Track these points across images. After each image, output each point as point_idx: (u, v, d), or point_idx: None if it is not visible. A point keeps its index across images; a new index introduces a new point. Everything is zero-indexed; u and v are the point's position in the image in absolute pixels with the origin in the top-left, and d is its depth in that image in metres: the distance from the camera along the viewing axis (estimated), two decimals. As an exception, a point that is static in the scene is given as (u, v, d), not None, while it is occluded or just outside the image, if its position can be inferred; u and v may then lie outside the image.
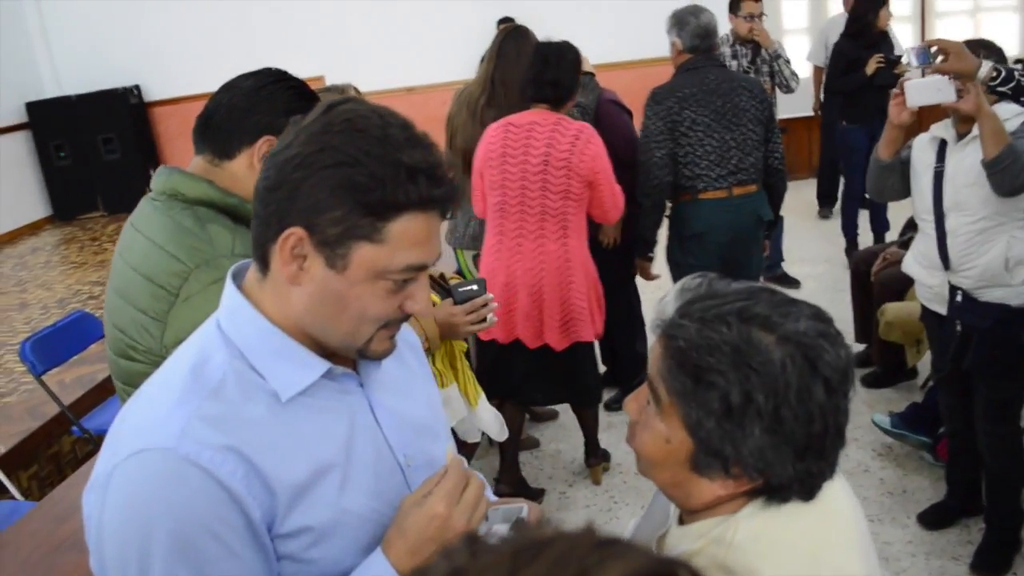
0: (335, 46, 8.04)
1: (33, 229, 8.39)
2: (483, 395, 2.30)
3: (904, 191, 2.82)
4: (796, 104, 6.02)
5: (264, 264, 1.03)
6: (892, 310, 3.63)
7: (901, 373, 3.94)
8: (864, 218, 5.62)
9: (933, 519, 3.03)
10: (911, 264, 2.87)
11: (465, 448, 3.67)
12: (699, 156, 3.37)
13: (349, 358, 1.09)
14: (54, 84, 8.63)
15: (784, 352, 0.91)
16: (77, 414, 3.55)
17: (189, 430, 0.96)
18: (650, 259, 3.65)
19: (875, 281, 3.82)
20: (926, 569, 2.83)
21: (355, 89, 2.08)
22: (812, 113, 6.40)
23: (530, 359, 3.15)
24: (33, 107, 8.35)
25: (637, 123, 3.64)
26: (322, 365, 1.06)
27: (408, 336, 1.27)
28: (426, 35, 7.90)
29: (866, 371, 4.05)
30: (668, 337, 0.96)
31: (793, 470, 0.93)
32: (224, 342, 1.04)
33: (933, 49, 2.39)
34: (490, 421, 2.30)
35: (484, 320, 2.07)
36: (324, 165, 0.96)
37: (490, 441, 3.91)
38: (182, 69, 8.03)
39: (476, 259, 3.53)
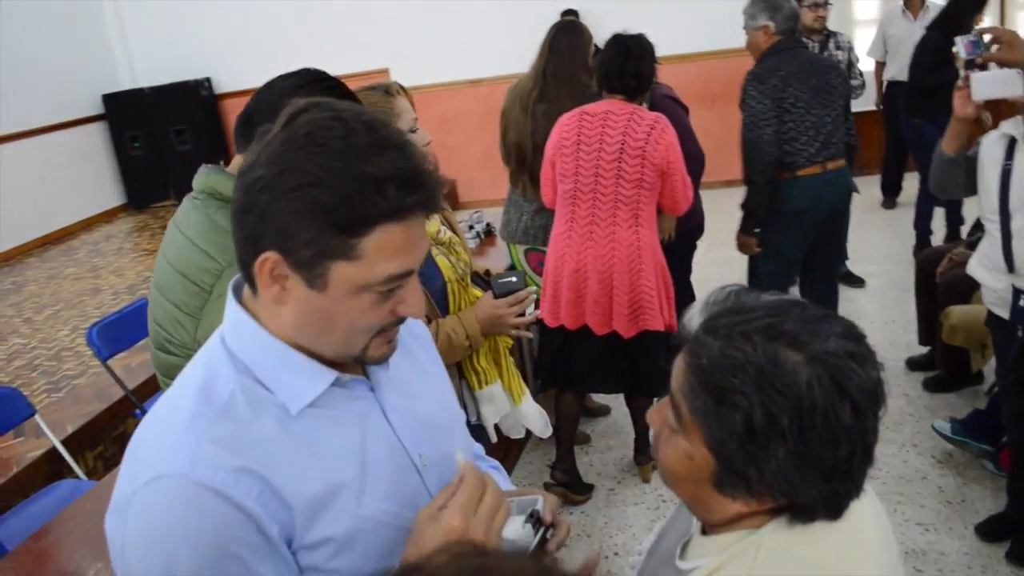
0: (400, 39, 8.13)
1: (108, 217, 8.68)
2: (527, 391, 2.30)
3: (969, 188, 2.74)
4: (860, 98, 5.87)
5: (251, 284, 1.02)
6: (957, 313, 3.51)
7: (965, 378, 3.81)
8: (939, 214, 5.49)
9: (991, 530, 2.93)
10: (975, 266, 2.78)
11: (509, 443, 3.70)
12: (799, 132, 3.50)
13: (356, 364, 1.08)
14: (129, 77, 8.90)
15: (811, 373, 0.87)
16: (140, 398, 3.67)
17: (201, 454, 0.95)
18: (755, 235, 3.72)
19: (940, 282, 3.71)
20: (982, 581, 2.74)
21: (399, 87, 2.09)
22: (875, 107, 6.24)
23: (597, 346, 3.16)
24: (109, 99, 8.63)
25: (692, 119, 3.62)
26: (329, 375, 1.05)
27: (416, 329, 1.27)
28: (490, 27, 7.91)
29: (929, 375, 3.94)
30: (691, 354, 0.94)
31: (818, 492, 0.91)
32: (230, 358, 1.04)
33: (987, 38, 2.30)
34: (534, 417, 2.30)
35: (524, 314, 2.08)
36: (287, 188, 0.93)
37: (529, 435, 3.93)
38: (250, 62, 8.18)
39: (528, 253, 3.53)
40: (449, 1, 8.03)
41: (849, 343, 0.91)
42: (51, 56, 7.96)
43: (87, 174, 8.46)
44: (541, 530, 1.15)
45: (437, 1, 8.06)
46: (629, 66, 3.02)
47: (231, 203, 1.00)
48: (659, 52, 3.16)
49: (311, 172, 0.93)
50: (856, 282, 5.15)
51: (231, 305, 1.07)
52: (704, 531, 1.06)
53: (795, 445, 0.87)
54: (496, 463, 1.44)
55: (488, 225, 4.33)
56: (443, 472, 1.16)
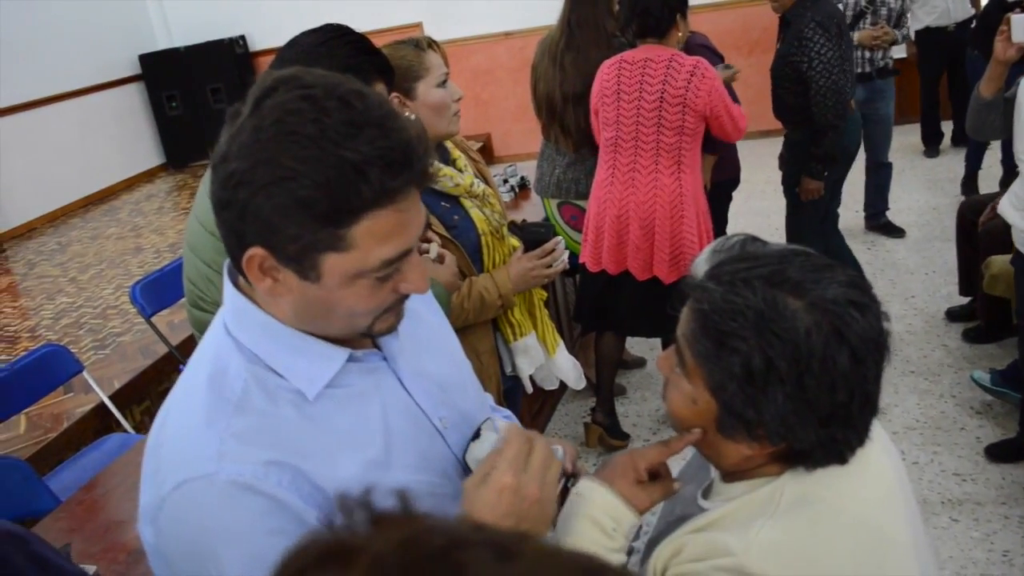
0: (435, -6, 8.05)
1: (148, 176, 8.80)
2: (561, 343, 2.32)
3: (1005, 130, 2.72)
4: (900, 46, 5.74)
5: (243, 277, 0.98)
6: (998, 263, 3.45)
7: (1006, 329, 3.75)
8: (990, 154, 5.42)
9: (1001, 452, 3.05)
10: (1006, 207, 2.77)
11: (545, 395, 3.74)
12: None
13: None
14: (165, 36, 8.94)
15: (810, 319, 0.89)
16: (184, 353, 3.75)
17: (226, 451, 0.93)
18: (825, 178, 3.75)
19: (982, 231, 3.64)
20: (1019, 531, 2.73)
21: (430, 41, 2.08)
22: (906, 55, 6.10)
23: (638, 291, 3.18)
24: (146, 59, 8.68)
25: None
26: (341, 353, 1.02)
27: None
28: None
29: (969, 326, 3.89)
30: (694, 300, 0.96)
31: (816, 437, 0.92)
32: (236, 347, 1.00)
33: None
34: (568, 369, 2.32)
35: (552, 266, 2.09)
36: (263, 183, 0.87)
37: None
38: (284, 19, 8.15)
39: (561, 207, 3.53)
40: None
41: (851, 291, 0.91)
42: (88, 17, 8.01)
43: (127, 134, 8.56)
44: (563, 480, 1.16)
45: (468, -47, 7.97)
46: (637, 5, 3.01)
47: (210, 195, 0.94)
48: (695, 1, 3.12)
49: (286, 164, 0.87)
50: (896, 232, 5.07)
51: (230, 291, 1.02)
52: (724, 478, 1.07)
53: (793, 389, 0.89)
54: (508, 412, 1.45)
55: (523, 178, 4.32)
56: (464, 432, 1.16)
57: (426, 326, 1.19)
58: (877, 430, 1.04)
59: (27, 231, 7.42)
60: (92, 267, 6.11)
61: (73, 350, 3.43)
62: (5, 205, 7.21)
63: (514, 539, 0.45)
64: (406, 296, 1.01)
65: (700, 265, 0.98)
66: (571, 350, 3.70)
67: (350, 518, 0.45)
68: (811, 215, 3.86)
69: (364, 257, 0.92)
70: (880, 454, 1.01)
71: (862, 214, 5.23)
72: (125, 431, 3.42)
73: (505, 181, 4.27)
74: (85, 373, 3.35)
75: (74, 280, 5.91)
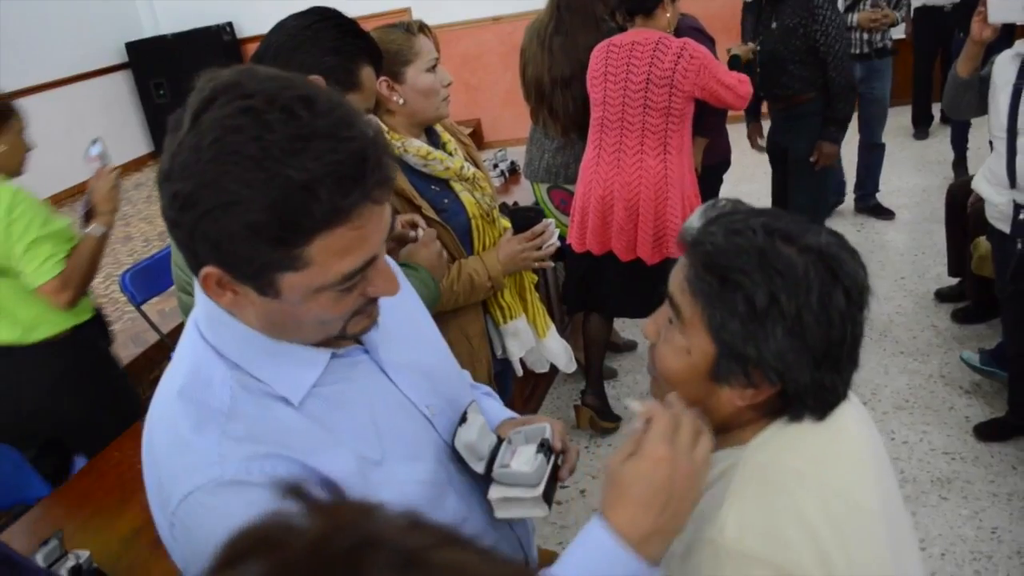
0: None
1: (137, 165, 8.75)
2: (552, 326, 2.33)
3: (980, 108, 2.81)
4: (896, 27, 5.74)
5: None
6: (986, 244, 3.46)
7: (995, 309, 3.77)
8: (973, 135, 5.44)
9: (989, 432, 3.08)
10: (980, 181, 2.84)
11: (537, 378, 3.75)
12: None
13: None
14: (152, 24, 8.88)
15: (807, 259, 0.93)
16: (175, 341, 3.73)
17: (226, 452, 0.91)
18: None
19: (970, 212, 3.65)
20: (1007, 509, 2.76)
21: (421, 25, 2.07)
22: (904, 36, 6.10)
23: (622, 272, 3.19)
24: (132, 47, 8.63)
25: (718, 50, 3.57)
26: (323, 355, 1.00)
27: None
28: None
29: (958, 306, 3.91)
30: (695, 244, 0.98)
31: (810, 378, 0.94)
32: (215, 354, 0.98)
33: None
34: (558, 352, 2.32)
35: (542, 249, 2.09)
36: (208, 208, 0.83)
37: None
38: (272, 4, 8.06)
39: (550, 191, 3.53)
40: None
41: (837, 240, 0.97)
42: (73, 5, 7.95)
43: (114, 123, 8.50)
44: (553, 457, 1.17)
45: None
46: None
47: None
48: None
49: (229, 188, 0.82)
50: (886, 214, 5.09)
51: (201, 295, 0.99)
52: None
53: (793, 324, 0.92)
54: (489, 389, 1.45)
55: (512, 163, 4.31)
56: (451, 418, 1.15)
57: (402, 314, 1.17)
58: (852, 399, 1.06)
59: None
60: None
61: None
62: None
63: (428, 545, 0.45)
64: (376, 298, 0.98)
65: (693, 222, 1.01)
66: (561, 334, 3.71)
67: (285, 508, 0.44)
68: (824, 189, 3.96)
69: (323, 273, 0.88)
70: (852, 422, 1.03)
71: (852, 195, 5.24)
72: (117, 419, 3.41)
73: (495, 166, 4.26)
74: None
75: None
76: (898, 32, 5.98)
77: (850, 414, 1.03)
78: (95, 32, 8.29)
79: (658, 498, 0.91)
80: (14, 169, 2.59)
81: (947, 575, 2.56)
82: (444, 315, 2.08)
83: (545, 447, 1.16)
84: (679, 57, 2.93)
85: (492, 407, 1.36)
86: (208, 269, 0.88)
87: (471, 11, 8.07)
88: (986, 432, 3.08)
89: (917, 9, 5.76)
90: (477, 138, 8.13)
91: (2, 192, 2.45)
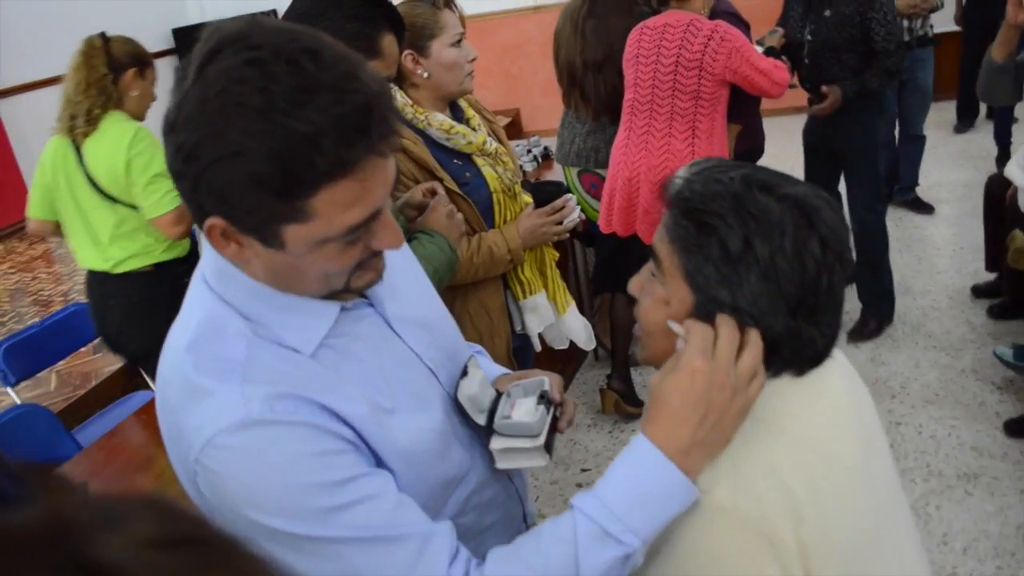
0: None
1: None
2: (572, 303, 2.34)
3: (1016, 94, 2.73)
4: (939, 18, 5.63)
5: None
6: (1022, 235, 3.40)
7: (1032, 304, 3.71)
8: (1018, 129, 5.32)
9: (1020, 428, 3.00)
10: (1013, 168, 2.76)
11: (565, 362, 3.76)
12: None
13: None
14: (198, 11, 9.03)
15: (783, 206, 0.93)
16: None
17: (250, 394, 0.92)
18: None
19: (1008, 205, 3.58)
20: (1035, 504, 2.72)
21: (448, 1, 2.09)
22: (954, 23, 5.97)
23: (646, 254, 3.16)
24: (179, 33, 8.78)
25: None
26: (332, 308, 1.01)
27: None
28: (553, -47, 7.77)
29: (994, 302, 3.84)
30: (674, 194, 0.99)
31: (785, 326, 0.94)
32: (227, 306, 0.98)
33: None
34: (578, 329, 2.33)
35: (562, 223, 2.10)
36: (212, 159, 0.83)
37: (596, 355, 3.99)
38: (316, -8, 8.21)
39: (581, 175, 3.53)
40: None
41: (816, 191, 0.97)
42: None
43: (160, 107, 8.63)
44: (552, 409, 1.19)
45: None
46: None
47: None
48: None
49: (234, 139, 0.82)
50: (925, 208, 5.01)
51: (210, 251, 0.98)
52: None
53: (766, 269, 0.91)
54: (480, 348, 1.46)
55: (545, 148, 4.33)
56: (451, 371, 1.17)
57: (403, 269, 1.18)
58: (842, 362, 1.06)
59: (63, 200, 7.54)
60: (124, 235, 6.21)
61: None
62: (42, 175, 7.33)
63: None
64: (379, 252, 0.99)
65: (679, 175, 1.02)
66: (591, 318, 3.72)
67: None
68: (880, 178, 3.82)
69: (327, 225, 0.88)
70: (838, 380, 1.02)
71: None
72: (151, 389, 3.50)
73: (528, 151, 4.27)
74: (113, 332, 3.43)
75: (107, 247, 6.01)
76: (947, 23, 5.90)
77: (837, 374, 1.02)
78: (142, 18, 8.41)
79: (695, 411, 0.92)
80: (140, 114, 2.91)
81: (968, 570, 2.53)
82: (464, 288, 2.10)
83: (545, 399, 1.18)
84: (709, 39, 2.91)
85: (485, 364, 1.38)
86: (213, 220, 0.89)
87: (512, 1, 8.08)
88: (1017, 429, 3.03)
89: (968, -3, 5.64)
90: (516, 127, 8.13)
91: (126, 129, 2.76)
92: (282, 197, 0.85)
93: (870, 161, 3.70)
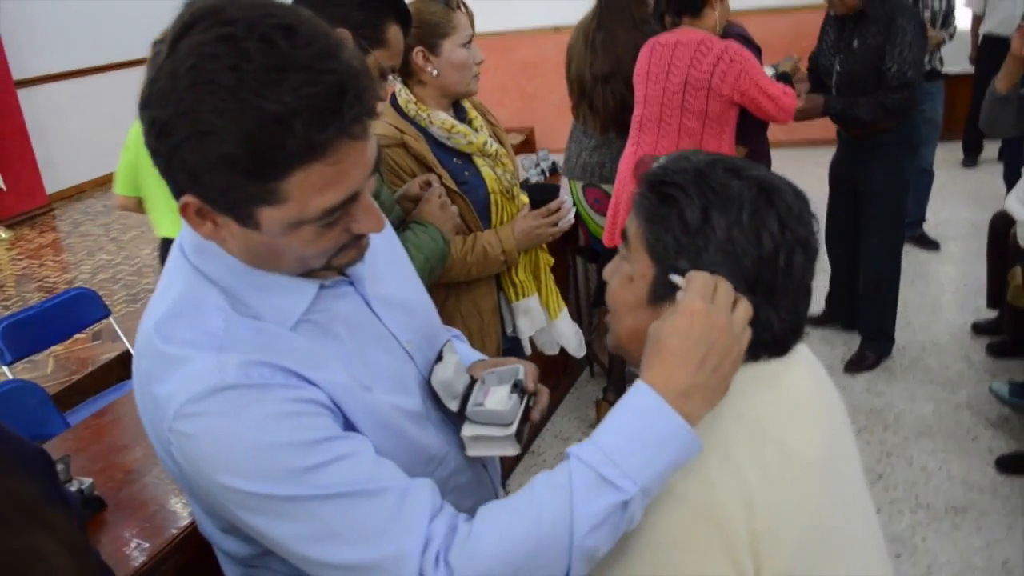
0: (486, -16, 8.11)
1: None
2: (565, 309, 2.35)
3: (1017, 126, 2.73)
4: (952, 58, 5.67)
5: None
6: (1023, 274, 3.39)
7: (1031, 342, 3.70)
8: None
9: (1010, 464, 3.00)
10: (1012, 201, 2.77)
11: (560, 376, 3.76)
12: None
13: None
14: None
15: (743, 183, 0.94)
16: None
17: (225, 360, 0.91)
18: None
19: (1011, 243, 3.58)
20: (1021, 543, 2.69)
21: (460, 1, 2.11)
22: (968, 63, 5.99)
23: None
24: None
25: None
26: (311, 286, 1.00)
27: None
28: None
29: (994, 339, 3.82)
30: (645, 172, 1.00)
31: None
32: (205, 280, 0.98)
33: None
34: (569, 335, 2.34)
35: (557, 224, 2.12)
36: (183, 137, 0.82)
37: (591, 372, 3.98)
38: None
39: (586, 189, 3.55)
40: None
41: (783, 178, 0.98)
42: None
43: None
44: (525, 398, 1.18)
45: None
46: None
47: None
48: (747, 5, 3.12)
49: (204, 118, 0.80)
50: (931, 245, 5.00)
51: (187, 228, 0.98)
52: None
53: (723, 241, 0.92)
54: (458, 332, 1.46)
55: (554, 163, 4.34)
56: (427, 354, 1.17)
57: (384, 249, 1.17)
58: (811, 361, 1.06)
59: (76, 193, 7.63)
60: (134, 228, 6.26)
61: (106, 302, 3.53)
62: (59, 166, 7.42)
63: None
64: (361, 235, 0.97)
65: (656, 160, 1.03)
66: (588, 335, 3.72)
67: None
68: (901, 229, 3.74)
69: (302, 208, 0.87)
70: (805, 378, 1.02)
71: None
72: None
73: (537, 164, 4.29)
74: (112, 319, 3.45)
75: (115, 240, 6.08)
76: (958, 65, 5.92)
77: (802, 371, 1.02)
78: (167, 16, 8.52)
79: (695, 351, 0.89)
80: None
81: (952, 602, 2.51)
82: (457, 287, 2.11)
83: (519, 388, 1.18)
84: (719, 60, 2.93)
85: (462, 348, 1.37)
86: (187, 198, 0.88)
87: (533, 20, 8.14)
88: (1008, 465, 3.01)
89: (984, 37, 5.67)
90: (529, 145, 8.16)
91: None
92: (254, 178, 0.84)
93: (892, 198, 3.61)
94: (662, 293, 0.97)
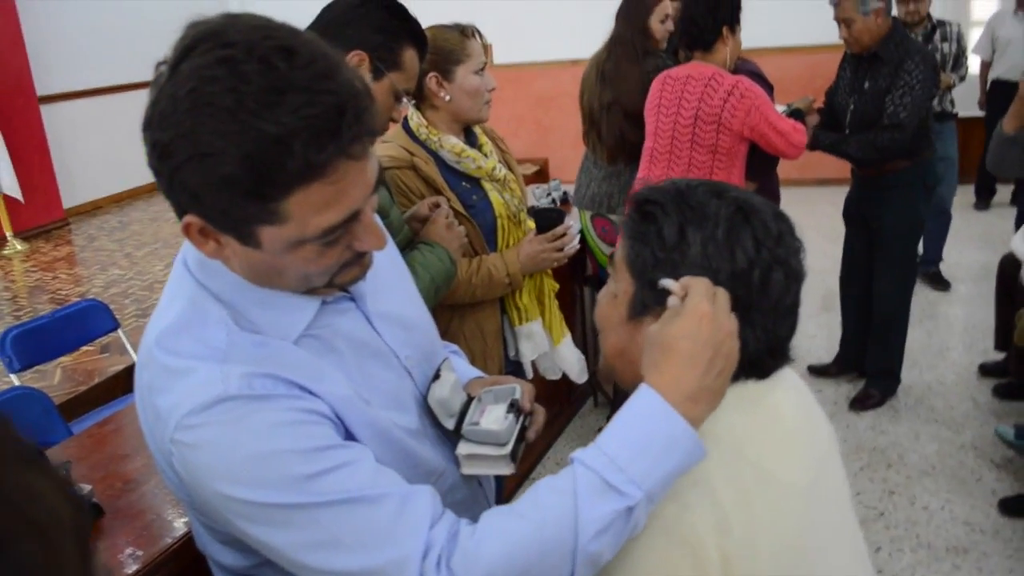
0: (506, 17, 8.19)
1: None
2: (568, 335, 2.36)
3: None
4: (965, 102, 5.71)
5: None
6: (1031, 315, 3.39)
7: (1039, 386, 3.68)
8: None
9: (1013, 506, 2.96)
10: (1018, 242, 2.76)
11: (562, 405, 3.76)
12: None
13: None
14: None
15: (721, 202, 0.96)
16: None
17: (229, 372, 0.92)
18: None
19: (1020, 284, 3.57)
20: (1023, 584, 2.66)
21: (474, 30, 2.15)
22: (978, 108, 6.04)
23: None
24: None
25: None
26: (313, 302, 1.01)
27: None
28: (595, 6, 7.90)
29: (1001, 381, 3.81)
30: (632, 196, 1.03)
31: None
32: (208, 294, 0.99)
33: None
34: (571, 361, 2.35)
35: (563, 250, 2.14)
36: (184, 158, 0.83)
37: (595, 401, 3.98)
38: None
39: (594, 219, 3.58)
40: (555, -20, 8.09)
41: (766, 201, 0.99)
42: (169, 8, 8.35)
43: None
44: (521, 418, 1.19)
45: (544, -21, 8.13)
46: (684, 12, 3.06)
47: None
48: (763, 43, 3.15)
49: (203, 140, 0.82)
50: (943, 284, 4.99)
51: (189, 244, 0.99)
52: None
53: (699, 257, 0.94)
54: (457, 348, 1.47)
55: (565, 193, 4.37)
56: (425, 371, 1.18)
57: (386, 265, 1.17)
58: (797, 385, 1.06)
59: (93, 208, 7.73)
60: (148, 245, 6.33)
61: (117, 315, 3.55)
62: (77, 182, 7.52)
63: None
64: (364, 253, 0.98)
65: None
66: (593, 365, 3.72)
67: None
68: (913, 270, 3.73)
69: (302, 227, 0.88)
70: (784, 399, 1.02)
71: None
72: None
73: (548, 194, 4.32)
74: (120, 332, 3.47)
75: (129, 255, 6.13)
76: (969, 109, 5.95)
77: (786, 395, 1.02)
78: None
79: (703, 354, 0.88)
80: None
81: (951, 644, 2.48)
82: (462, 309, 2.13)
83: (515, 407, 1.18)
84: (729, 94, 2.96)
85: (460, 365, 1.38)
86: (189, 218, 0.89)
87: (550, 53, 8.23)
88: (1012, 507, 2.98)
89: (993, 82, 5.73)
90: (542, 176, 8.22)
91: None
92: (254, 199, 0.85)
93: (904, 238, 3.60)
94: (639, 308, 0.99)
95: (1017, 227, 5.31)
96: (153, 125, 0.85)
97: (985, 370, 3.95)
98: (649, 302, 0.98)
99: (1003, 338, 3.84)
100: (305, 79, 0.82)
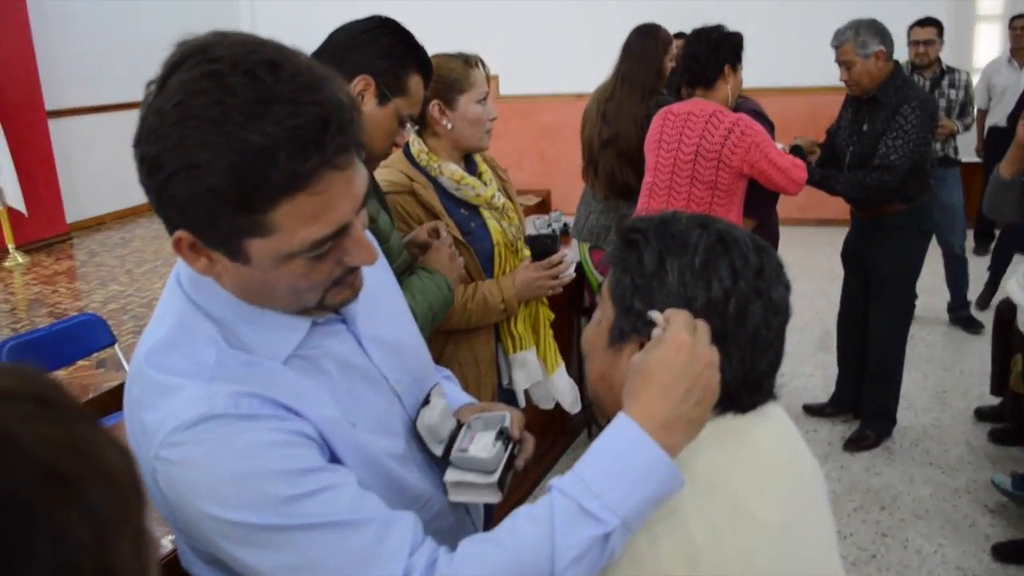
0: (512, 49, 8.28)
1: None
2: (562, 365, 2.36)
3: (1020, 211, 2.76)
4: (968, 148, 5.77)
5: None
6: (1025, 360, 3.39)
7: (1033, 431, 3.67)
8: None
9: (1007, 552, 2.94)
10: (1015, 288, 2.77)
11: (555, 437, 3.74)
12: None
13: None
14: (250, 29, 9.35)
15: (702, 232, 0.97)
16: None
17: (216, 391, 0.92)
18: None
19: (1016, 330, 3.58)
20: (1014, 631, 2.64)
21: (478, 60, 2.18)
22: (975, 155, 6.11)
23: None
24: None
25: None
26: (304, 323, 1.02)
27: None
28: (601, 41, 7.99)
29: (997, 426, 3.80)
30: (621, 226, 1.04)
31: None
32: (199, 312, 0.99)
33: None
34: (564, 390, 2.35)
35: (558, 277, 2.15)
36: (171, 171, 0.84)
37: (589, 433, 3.96)
38: (367, 6, 8.48)
39: (592, 251, 3.60)
40: (561, 12, 8.18)
41: (749, 233, 1.00)
42: (178, 26, 8.41)
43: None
44: (510, 446, 1.18)
45: (549, 13, 8.22)
46: (686, 49, 3.10)
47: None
48: (765, 83, 3.19)
49: (190, 152, 0.83)
50: (975, 328, 4.98)
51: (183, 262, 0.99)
52: None
53: (676, 285, 0.95)
54: (448, 373, 1.47)
55: (565, 224, 4.40)
56: (416, 396, 1.18)
57: (378, 287, 1.17)
58: (780, 418, 1.05)
59: (96, 224, 7.75)
60: (148, 262, 6.34)
61: (114, 331, 3.55)
62: (81, 197, 7.55)
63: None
64: (355, 268, 0.98)
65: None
66: (584, 395, 3.71)
67: None
68: (908, 312, 3.74)
69: (289, 239, 0.88)
70: (764, 434, 1.01)
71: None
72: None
73: (549, 225, 4.35)
74: (116, 348, 3.47)
75: (130, 272, 6.15)
76: (968, 155, 6.00)
77: (767, 430, 1.01)
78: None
79: (680, 383, 0.89)
80: None
81: None
82: (456, 335, 2.14)
83: (504, 435, 1.18)
84: (730, 132, 2.98)
85: (451, 391, 1.38)
86: (180, 233, 0.90)
87: (555, 86, 8.30)
88: (1005, 553, 2.96)
89: (990, 129, 5.79)
90: (544, 207, 8.25)
91: None
92: (241, 210, 0.85)
93: (899, 281, 3.61)
94: (617, 335, 0.99)
95: (992, 272, 5.34)
96: (142, 140, 0.87)
97: (981, 414, 3.94)
98: (627, 329, 0.98)
99: (999, 383, 3.84)
100: (290, 91, 0.83)
